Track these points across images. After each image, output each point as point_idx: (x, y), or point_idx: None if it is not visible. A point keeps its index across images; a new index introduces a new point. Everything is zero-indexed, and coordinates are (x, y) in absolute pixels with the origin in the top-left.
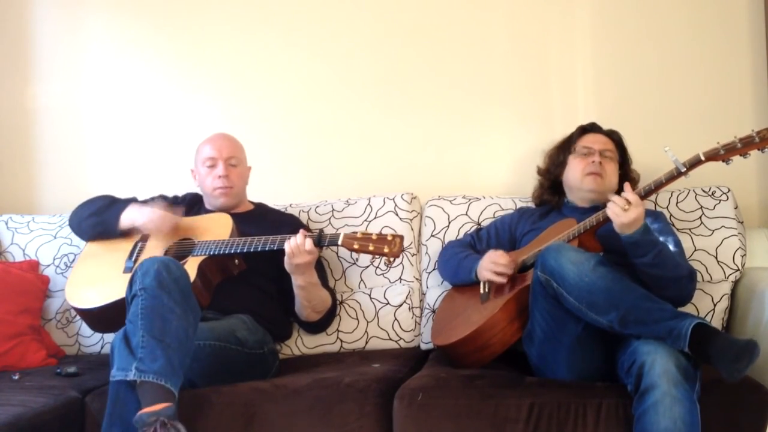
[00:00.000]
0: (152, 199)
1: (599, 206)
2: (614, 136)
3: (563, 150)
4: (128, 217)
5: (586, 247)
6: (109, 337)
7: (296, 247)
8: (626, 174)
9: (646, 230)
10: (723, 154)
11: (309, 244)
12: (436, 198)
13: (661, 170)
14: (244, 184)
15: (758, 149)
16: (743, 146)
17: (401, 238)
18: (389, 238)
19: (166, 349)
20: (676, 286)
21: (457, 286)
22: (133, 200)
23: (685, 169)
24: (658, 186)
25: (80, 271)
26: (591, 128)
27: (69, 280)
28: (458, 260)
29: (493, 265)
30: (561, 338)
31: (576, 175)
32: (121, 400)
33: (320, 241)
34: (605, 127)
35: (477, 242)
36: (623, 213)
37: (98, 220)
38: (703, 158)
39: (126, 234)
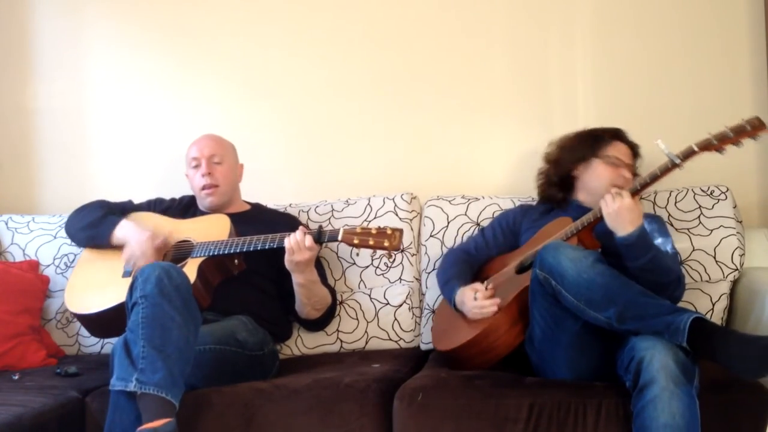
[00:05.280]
0: (148, 203)
1: None
2: (636, 150)
3: (588, 147)
4: (119, 237)
5: (585, 245)
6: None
7: (296, 243)
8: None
9: (643, 233)
10: (716, 144)
11: (309, 240)
12: (436, 198)
13: None
14: (233, 182)
15: (750, 137)
16: (735, 135)
17: (401, 231)
18: (389, 231)
19: (166, 359)
20: (664, 291)
21: None
22: (129, 204)
23: (679, 160)
24: (653, 179)
25: (79, 277)
26: (621, 137)
27: (68, 286)
28: (443, 281)
29: (478, 312)
30: (560, 337)
31: (603, 183)
32: (121, 409)
33: (320, 237)
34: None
35: (483, 246)
36: (611, 200)
37: (91, 234)
38: (696, 149)
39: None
